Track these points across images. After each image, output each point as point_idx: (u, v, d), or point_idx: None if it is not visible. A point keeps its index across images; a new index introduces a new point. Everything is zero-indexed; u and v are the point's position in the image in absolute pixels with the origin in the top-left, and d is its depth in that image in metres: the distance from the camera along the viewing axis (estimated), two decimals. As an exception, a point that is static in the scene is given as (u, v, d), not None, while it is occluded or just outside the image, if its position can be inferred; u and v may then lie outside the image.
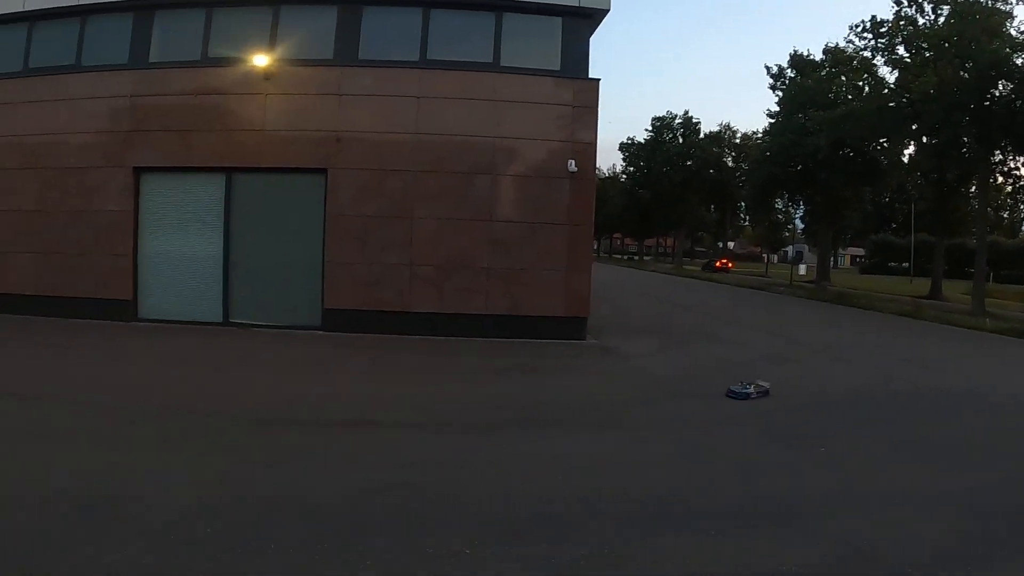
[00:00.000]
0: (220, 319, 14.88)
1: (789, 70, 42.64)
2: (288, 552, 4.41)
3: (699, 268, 61.06)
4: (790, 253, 57.85)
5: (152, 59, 15.64)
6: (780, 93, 42.57)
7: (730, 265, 63.27)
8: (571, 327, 14.17)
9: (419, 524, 4.89)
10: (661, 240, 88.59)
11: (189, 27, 15.54)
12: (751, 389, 9.00)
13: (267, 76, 14.63)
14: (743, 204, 61.87)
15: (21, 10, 16.65)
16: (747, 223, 70.61)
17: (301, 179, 14.73)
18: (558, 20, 14.99)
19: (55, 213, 15.83)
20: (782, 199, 45.89)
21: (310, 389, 9.55)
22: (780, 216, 50.11)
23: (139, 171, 15.34)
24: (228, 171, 14.88)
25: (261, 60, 14.60)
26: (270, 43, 14.89)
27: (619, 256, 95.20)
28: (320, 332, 14.25)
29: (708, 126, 75.96)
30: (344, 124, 14.43)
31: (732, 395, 8.89)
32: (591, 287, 14.70)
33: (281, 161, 14.58)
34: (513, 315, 14.16)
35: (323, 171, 14.44)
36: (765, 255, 69.67)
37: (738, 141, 65.06)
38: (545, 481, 5.90)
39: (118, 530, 4.69)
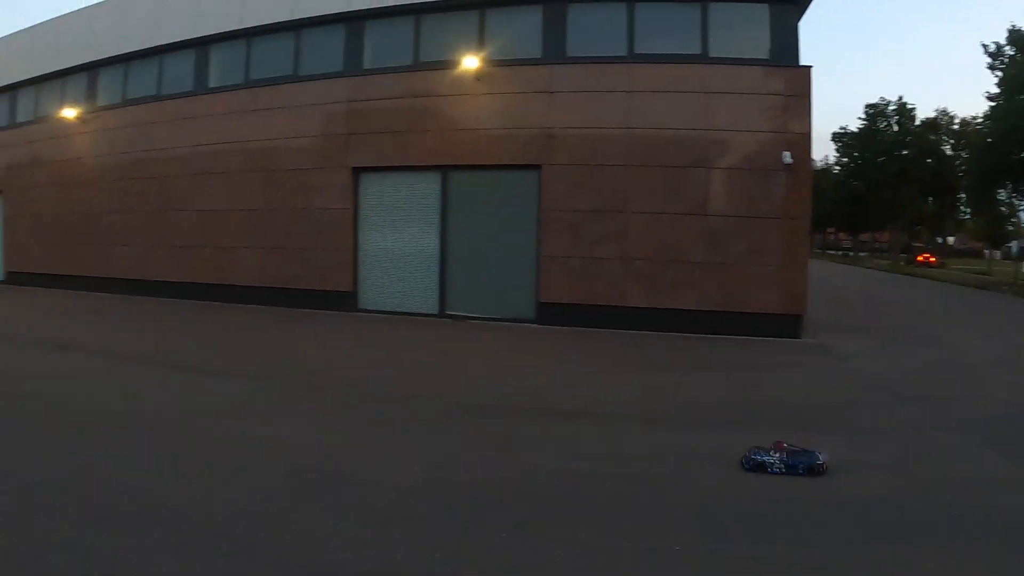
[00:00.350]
0: (436, 311, 15.56)
1: (1008, 47, 39.43)
2: (503, 534, 4.51)
3: (893, 263, 57.34)
4: (1014, 249, 53.05)
5: (366, 66, 16.59)
6: (999, 73, 39.35)
7: (932, 260, 59.56)
8: (787, 324, 13.82)
9: (633, 515, 4.89)
10: (876, 235, 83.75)
11: (399, 34, 16.33)
12: (773, 458, 5.89)
13: (478, 77, 15.12)
14: (963, 196, 57.77)
15: (239, 27, 18.07)
16: (968, 216, 65.76)
17: (514, 175, 15.09)
18: (765, 7, 14.64)
19: (279, 211, 17.11)
20: (1005, 189, 42.43)
21: (528, 379, 9.79)
22: (1003, 208, 46.15)
23: (357, 171, 16.30)
24: (443, 169, 15.50)
25: (471, 62, 15.08)
26: (478, 45, 15.39)
27: (832, 252, 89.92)
28: (534, 325, 14.61)
29: (923, 112, 70.25)
30: (555, 121, 14.68)
31: (747, 464, 5.92)
32: (807, 283, 14.30)
33: (495, 158, 15.03)
34: (726, 311, 13.94)
35: (536, 167, 14.75)
36: (987, 251, 64.52)
37: (956, 127, 60.20)
38: (760, 482, 5.70)
39: (339, 505, 4.98)
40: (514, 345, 12.83)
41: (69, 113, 21.53)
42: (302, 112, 16.90)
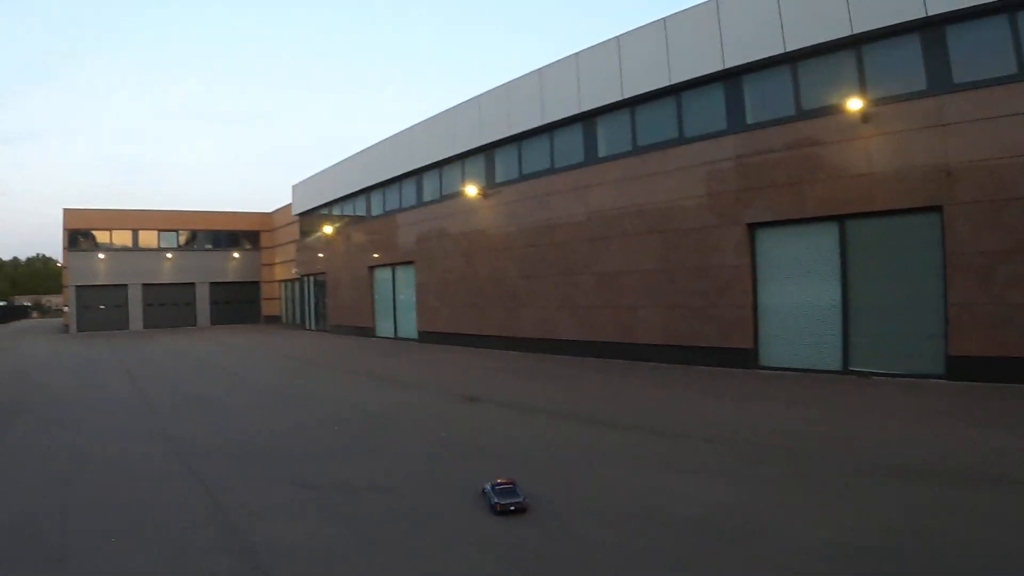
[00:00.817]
0: (839, 367, 15.51)
1: None
2: None
3: None
4: None
5: (749, 121, 17.24)
6: None
7: None
8: None
9: None
10: None
11: (777, 84, 16.76)
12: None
13: (864, 118, 14.98)
14: None
15: (621, 98, 19.82)
16: None
17: (914, 219, 14.63)
18: None
19: (676, 271, 18.34)
20: None
21: (944, 445, 9.15)
22: None
23: (751, 227, 16.96)
24: (839, 218, 15.55)
25: (854, 103, 15.00)
26: (859, 84, 15.27)
27: None
28: (944, 381, 13.83)
29: None
30: (952, 156, 13.94)
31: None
32: None
33: (891, 203, 14.73)
34: None
35: (937, 208, 14.14)
36: None
37: None
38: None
39: (734, 557, 5.50)
40: (926, 407, 11.99)
41: (470, 190, 24.84)
42: (691, 172, 18.04)
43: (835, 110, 15.44)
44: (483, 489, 7.13)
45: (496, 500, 6.76)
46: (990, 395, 12.41)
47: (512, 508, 6.68)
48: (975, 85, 13.83)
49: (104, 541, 6.24)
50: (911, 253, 14.77)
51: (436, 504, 7.24)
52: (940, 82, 14.22)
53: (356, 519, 6.84)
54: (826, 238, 15.88)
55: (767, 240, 16.90)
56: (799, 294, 16.29)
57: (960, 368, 13.74)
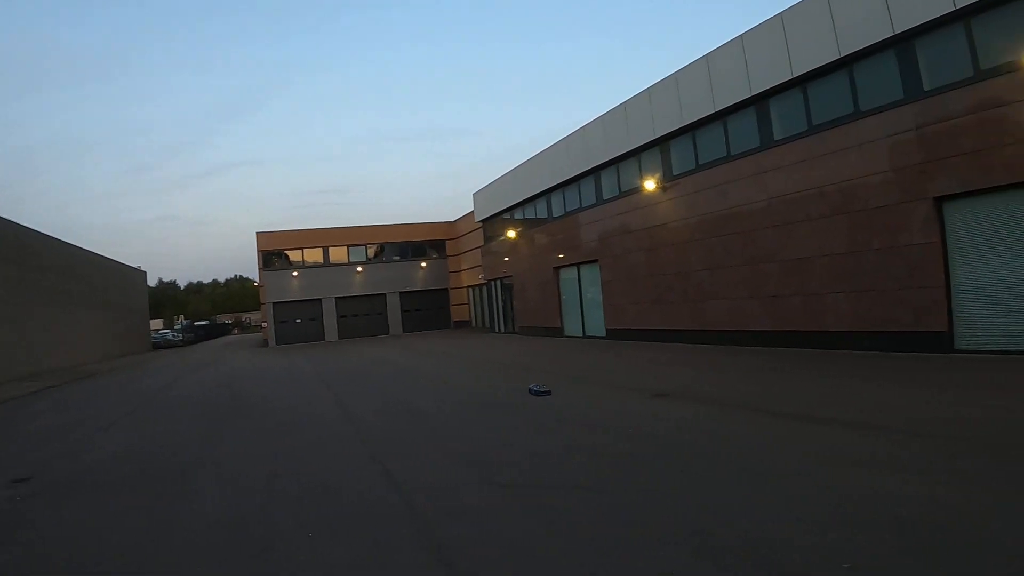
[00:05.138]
0: None
1: None
2: None
3: None
4: None
5: (926, 87, 17.38)
6: None
7: None
8: None
9: None
10: None
11: (953, 45, 16.79)
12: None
13: None
14: None
15: (792, 76, 20.58)
16: None
17: None
18: None
19: (864, 253, 18.90)
20: None
21: None
22: None
23: (939, 200, 17.12)
24: None
25: None
26: None
27: None
28: None
29: None
30: None
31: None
32: None
33: None
34: None
35: None
36: None
37: None
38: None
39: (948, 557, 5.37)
40: None
41: (648, 184, 26.29)
42: (870, 148, 18.47)
43: (1017, 66, 15.29)
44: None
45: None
46: None
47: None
48: None
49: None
50: None
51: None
52: None
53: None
54: (1021, 207, 15.79)
55: (956, 214, 17.00)
56: (996, 270, 16.17)
57: None
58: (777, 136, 21.57)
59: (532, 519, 7.08)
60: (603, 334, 31.56)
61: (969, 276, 16.71)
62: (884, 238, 18.31)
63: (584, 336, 33.62)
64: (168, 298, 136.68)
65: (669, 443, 10.04)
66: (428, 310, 60.35)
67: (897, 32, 17.56)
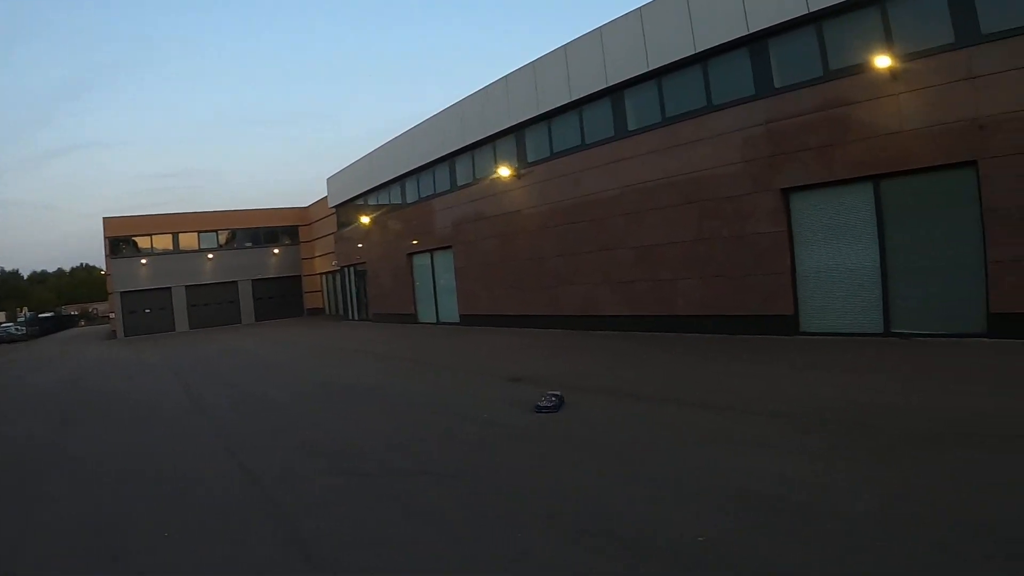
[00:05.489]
0: (880, 329, 15.61)
1: None
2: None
3: None
4: None
5: (777, 84, 17.38)
6: None
7: None
8: None
9: None
10: None
11: (804, 46, 16.83)
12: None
13: (892, 75, 14.95)
14: None
15: (648, 69, 20.14)
16: None
17: (948, 175, 14.58)
18: None
19: (714, 240, 18.71)
20: None
21: (991, 404, 8.74)
22: None
23: (786, 192, 17.17)
24: (874, 179, 15.62)
25: (883, 61, 14.98)
26: (885, 41, 15.19)
27: None
28: (986, 339, 13.75)
29: None
30: (984, 109, 13.78)
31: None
32: None
33: (924, 160, 14.68)
34: None
35: (971, 163, 14.04)
36: None
37: None
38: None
39: (791, 530, 5.42)
40: (969, 365, 11.83)
41: (503, 171, 25.39)
42: (721, 140, 18.28)
43: (863, 68, 15.44)
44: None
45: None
46: None
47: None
48: (1004, 35, 13.60)
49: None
50: (948, 210, 14.71)
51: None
52: (968, 34, 14.05)
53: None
54: (861, 199, 15.96)
55: (802, 205, 17.08)
56: (837, 258, 16.44)
57: (1002, 325, 13.67)
58: (632, 127, 21.07)
59: (389, 506, 6.86)
60: (457, 320, 30.52)
61: (813, 263, 16.86)
62: (733, 227, 18.17)
63: (438, 322, 32.46)
64: (10, 288, 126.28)
65: (523, 427, 9.89)
66: (281, 298, 57.04)
67: (752, 31, 17.43)
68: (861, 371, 12.22)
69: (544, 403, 10.60)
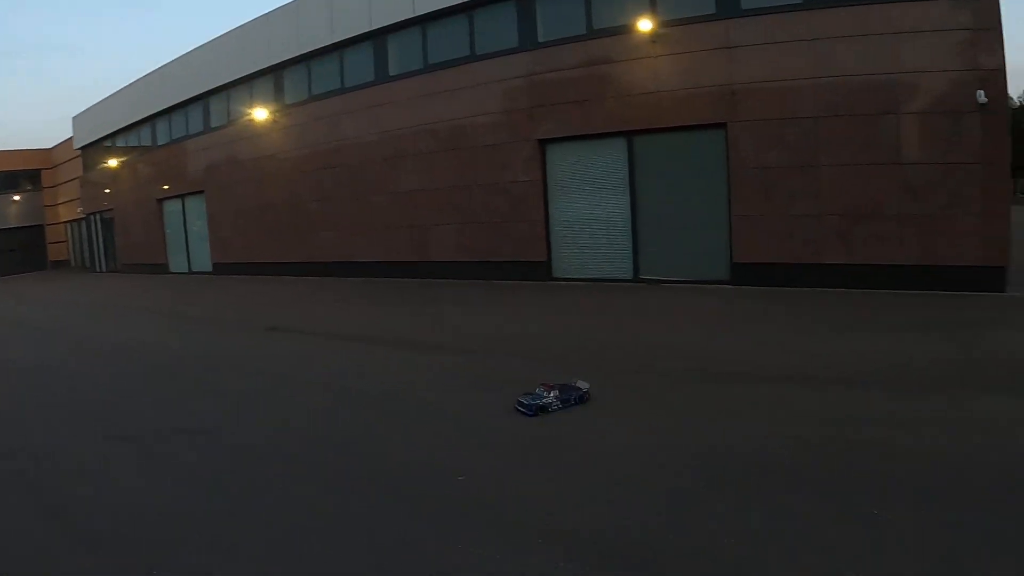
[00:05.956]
0: (630, 276, 15.47)
1: None
2: (720, 499, 4.55)
3: None
4: None
5: (541, 39, 16.47)
6: None
7: None
8: (990, 277, 12.43)
9: (855, 481, 4.64)
10: None
11: (570, 4, 16.13)
12: (550, 398, 6.46)
13: (653, 39, 14.71)
14: None
15: (413, 15, 18.53)
16: None
17: (700, 135, 14.63)
18: (947, -64, 13.68)
19: (471, 188, 17.53)
20: None
21: (731, 343, 9.28)
22: None
23: (543, 143, 16.38)
24: (628, 134, 15.28)
25: (645, 24, 14.68)
26: (651, 6, 14.93)
27: None
28: (729, 286, 14.19)
29: None
30: (737, 77, 14.05)
31: (529, 411, 6.38)
32: (1010, 232, 12.68)
33: (678, 120, 14.64)
34: (926, 264, 12.80)
35: (721, 125, 14.25)
36: None
37: None
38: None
39: (566, 470, 5.19)
40: (712, 307, 12.33)
41: (260, 114, 22.80)
42: (484, 90, 17.14)
43: (626, 30, 15.05)
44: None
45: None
46: (772, 297, 12.87)
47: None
48: (760, 12, 13.89)
49: None
50: (698, 168, 14.78)
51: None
52: (728, 7, 14.14)
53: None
54: (615, 153, 15.60)
55: (558, 156, 16.38)
56: (589, 208, 16.00)
57: (744, 273, 14.13)
58: (393, 72, 19.29)
59: (151, 469, 5.95)
60: (210, 269, 27.46)
61: (566, 212, 16.32)
62: (490, 174, 17.12)
63: (190, 272, 29.07)
64: None
65: (282, 376, 9.06)
66: (22, 250, 48.57)
67: (522, -17, 16.23)
68: (607, 313, 12.38)
69: (543, 399, 6.47)
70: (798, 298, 12.68)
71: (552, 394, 6.45)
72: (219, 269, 26.62)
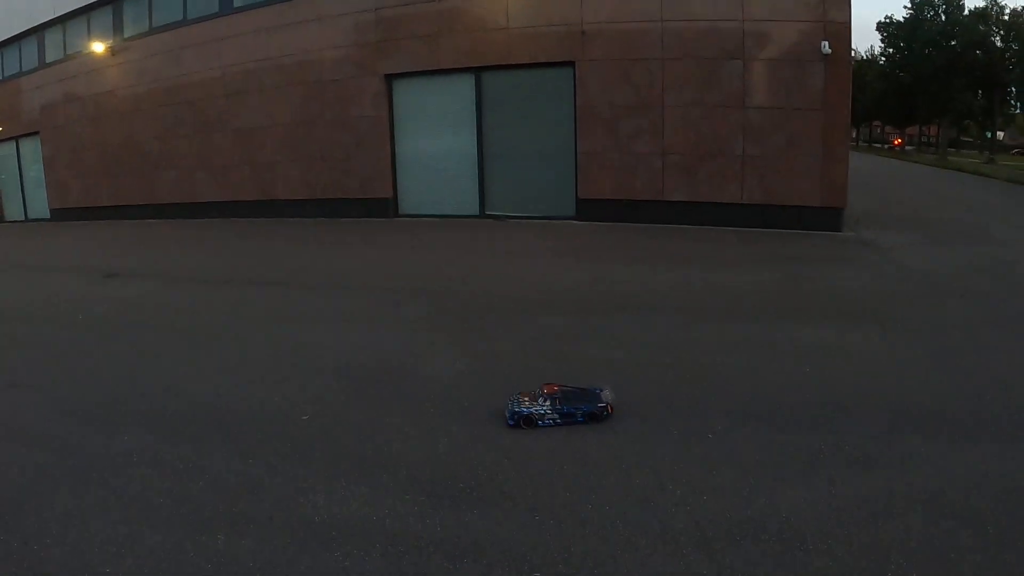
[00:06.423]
0: (477, 212, 14.50)
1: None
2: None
3: (940, 157, 50.88)
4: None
5: (384, -28, 14.99)
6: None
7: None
8: (827, 218, 12.41)
9: (674, 404, 4.56)
10: (924, 129, 73.59)
11: None
12: (543, 407, 4.35)
13: None
14: (1013, 89, 52.17)
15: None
16: (1018, 110, 59.41)
17: (549, 73, 13.77)
18: None
19: (316, 124, 15.89)
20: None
21: (569, 275, 9.08)
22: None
23: (390, 78, 15.01)
24: (476, 71, 14.19)
25: None
26: None
27: (878, 146, 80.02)
28: (575, 222, 13.54)
29: (973, 2, 60.65)
30: (587, 16, 13.25)
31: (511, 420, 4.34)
32: (848, 176, 12.73)
33: (528, 57, 13.69)
34: (766, 204, 12.59)
35: (570, 64, 13.44)
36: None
37: (1007, 18, 52.16)
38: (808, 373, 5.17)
39: (390, 397, 4.90)
40: (555, 242, 11.81)
41: (98, 47, 20.13)
42: (331, 23, 15.50)
43: None
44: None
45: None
46: (615, 232, 12.48)
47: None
48: None
49: None
50: (545, 105, 13.96)
51: None
52: None
53: None
54: (463, 89, 14.46)
55: (405, 91, 15.07)
56: (437, 144, 14.88)
57: (588, 209, 13.53)
58: (237, 3, 17.08)
59: None
60: (48, 216, 24.45)
61: (413, 148, 15.18)
62: (336, 110, 15.58)
63: (27, 219, 25.85)
64: None
65: (119, 324, 7.82)
66: None
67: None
68: (453, 248, 11.88)
69: (530, 409, 4.35)
70: (638, 234, 12.25)
71: (547, 403, 4.38)
72: (57, 215, 23.57)
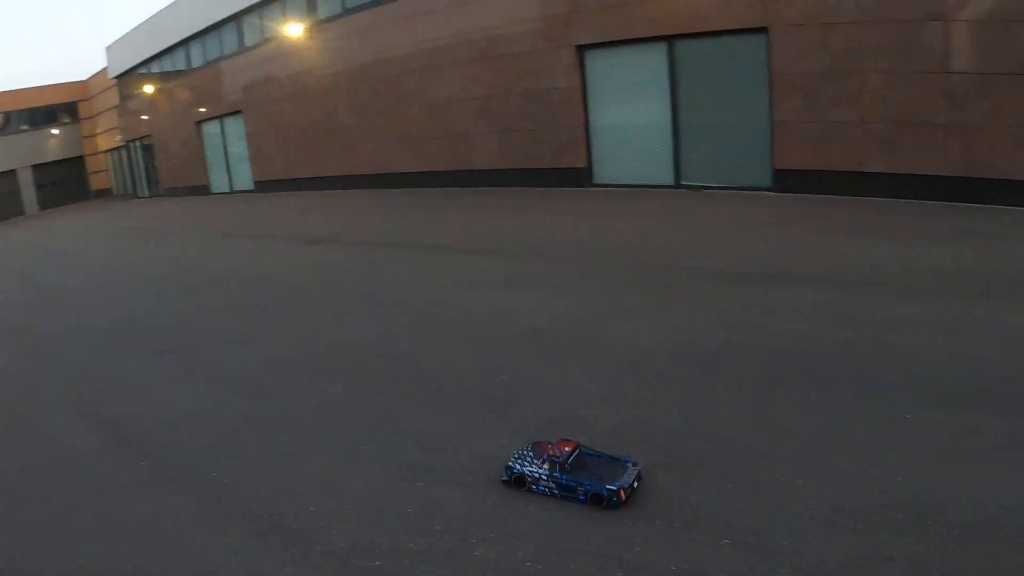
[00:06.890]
0: (671, 182, 14.56)
1: None
2: (735, 390, 4.59)
3: None
4: None
5: (574, -58, 15.15)
6: None
7: None
8: None
9: (865, 381, 4.53)
10: None
11: None
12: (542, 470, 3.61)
13: None
14: None
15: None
16: None
17: (742, 40, 13.42)
18: None
19: (510, 96, 16.49)
20: None
21: (763, 247, 8.91)
22: None
23: (581, 48, 15.28)
24: (669, 39, 14.12)
25: None
26: None
27: None
28: (770, 192, 13.26)
29: None
30: None
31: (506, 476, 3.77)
32: None
33: (720, 24, 13.43)
34: (968, 177, 11.59)
35: (763, 30, 13.00)
36: None
37: None
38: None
39: (585, 362, 5.22)
40: (750, 213, 11.70)
41: (294, 31, 21.64)
42: (522, -2, 15.86)
43: None
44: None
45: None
46: (811, 204, 12.17)
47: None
48: None
49: None
50: (739, 73, 13.65)
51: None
52: None
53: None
54: (655, 58, 14.43)
55: (597, 61, 15.27)
56: (630, 114, 14.99)
57: (785, 180, 13.09)
58: (428, -18, 18.13)
59: (190, 378, 5.86)
60: (252, 188, 26.69)
61: (606, 118, 15.32)
62: (528, 82, 16.04)
63: (232, 191, 28.35)
64: None
65: (323, 285, 8.85)
66: (65, 182, 45.97)
67: None
68: (641, 217, 11.96)
69: (524, 469, 3.70)
70: (835, 205, 11.89)
71: (544, 466, 3.62)
72: (260, 187, 25.84)
